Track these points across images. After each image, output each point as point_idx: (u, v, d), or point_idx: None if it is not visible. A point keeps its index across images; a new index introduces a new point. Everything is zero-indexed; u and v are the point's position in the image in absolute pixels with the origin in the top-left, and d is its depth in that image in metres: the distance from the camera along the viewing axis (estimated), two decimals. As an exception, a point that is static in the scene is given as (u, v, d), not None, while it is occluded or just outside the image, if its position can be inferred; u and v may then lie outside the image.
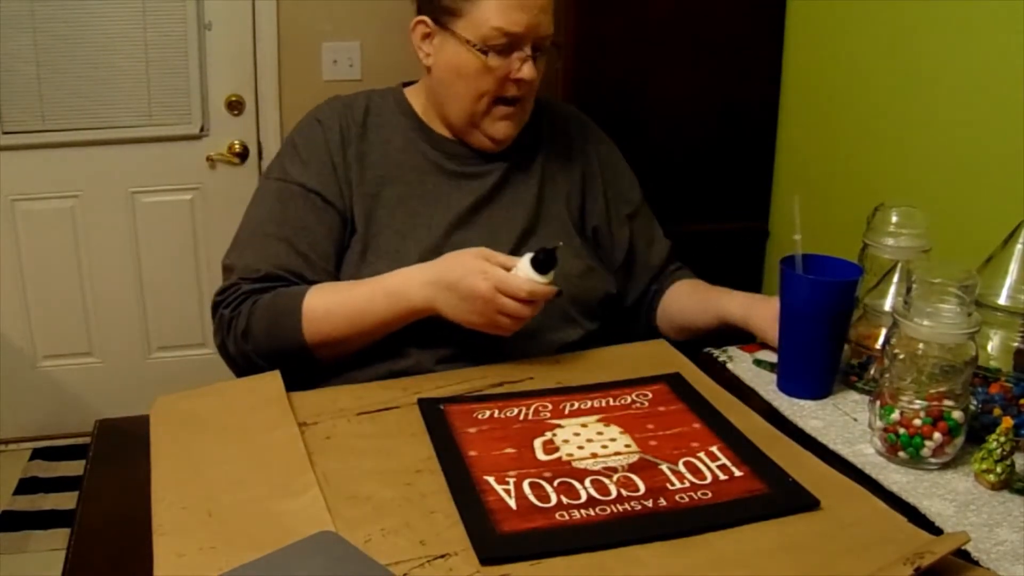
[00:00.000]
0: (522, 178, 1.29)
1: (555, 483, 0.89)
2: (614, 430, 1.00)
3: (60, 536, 2.24)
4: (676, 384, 1.11)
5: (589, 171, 1.36)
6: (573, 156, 1.35)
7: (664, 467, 0.92)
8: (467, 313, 1.09)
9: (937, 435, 0.93)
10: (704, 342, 1.27)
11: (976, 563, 0.79)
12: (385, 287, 1.13)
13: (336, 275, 1.21)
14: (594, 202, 1.36)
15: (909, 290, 0.94)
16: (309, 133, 1.26)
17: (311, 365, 1.16)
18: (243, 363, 1.18)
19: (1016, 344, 1.01)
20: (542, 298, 1.08)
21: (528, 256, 1.08)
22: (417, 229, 1.22)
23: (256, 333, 1.15)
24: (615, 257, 1.38)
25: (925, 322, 0.92)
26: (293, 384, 1.08)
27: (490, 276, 1.06)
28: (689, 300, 1.36)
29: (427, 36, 1.24)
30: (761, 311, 1.22)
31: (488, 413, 1.03)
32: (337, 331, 1.13)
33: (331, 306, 1.13)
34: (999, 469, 0.90)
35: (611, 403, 1.06)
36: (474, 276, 1.07)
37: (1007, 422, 0.92)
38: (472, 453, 0.94)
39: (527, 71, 1.18)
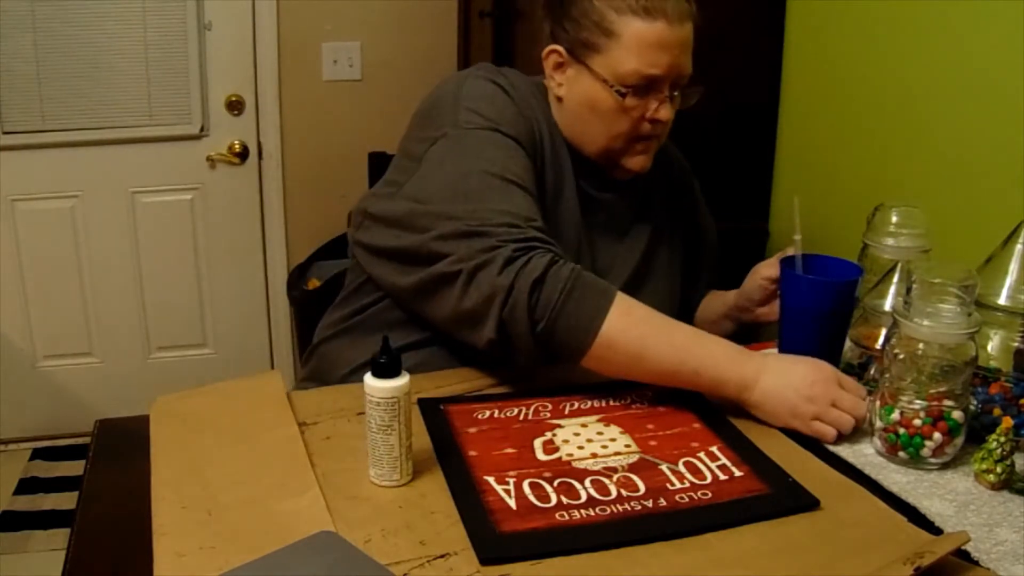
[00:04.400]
0: (640, 213, 1.30)
1: (555, 483, 0.89)
2: (614, 430, 1.00)
3: (60, 536, 2.24)
4: (676, 384, 1.11)
5: (692, 221, 1.39)
6: (679, 204, 1.37)
7: (664, 467, 0.92)
8: (794, 397, 0.99)
9: (937, 435, 0.93)
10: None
11: (976, 563, 0.79)
12: (712, 344, 1.03)
13: None
14: (696, 252, 1.40)
15: (909, 290, 0.94)
16: (502, 98, 1.16)
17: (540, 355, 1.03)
18: (526, 327, 1.00)
19: (1016, 344, 1.01)
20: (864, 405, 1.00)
21: None
22: (559, 238, 1.13)
23: (548, 290, 0.99)
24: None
25: (925, 322, 0.92)
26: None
27: (831, 371, 1.01)
28: (708, 306, 1.41)
29: (559, 66, 1.19)
30: (748, 282, 1.27)
31: (488, 413, 1.03)
32: (637, 347, 1.00)
33: (650, 322, 1.02)
34: (999, 469, 0.90)
35: (611, 403, 1.06)
36: (825, 370, 1.01)
37: (1007, 422, 0.92)
38: (472, 453, 0.94)
39: (664, 113, 1.15)
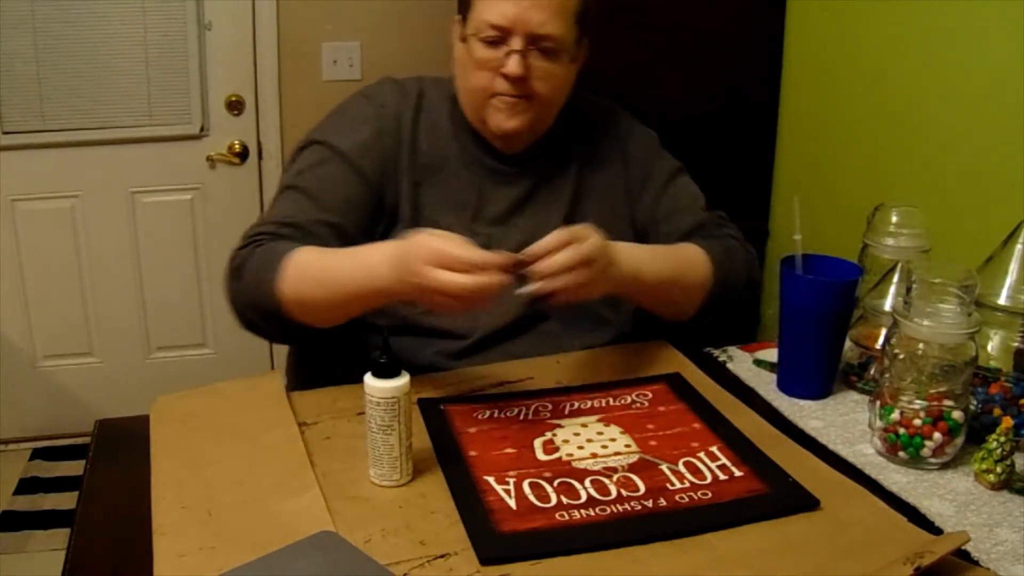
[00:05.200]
0: (557, 184, 1.26)
1: (555, 483, 0.89)
2: (614, 430, 1.00)
3: (60, 536, 2.23)
4: (676, 384, 1.11)
5: (627, 174, 1.31)
6: (610, 159, 1.31)
7: (664, 467, 0.92)
8: (412, 289, 0.97)
9: (937, 435, 0.93)
10: (705, 342, 1.26)
11: (976, 563, 0.79)
12: (361, 257, 1.05)
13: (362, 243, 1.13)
14: (636, 203, 1.31)
15: (909, 290, 0.94)
16: (359, 106, 1.23)
17: (288, 332, 1.10)
18: (237, 309, 1.12)
19: (1016, 344, 1.01)
20: (489, 266, 0.93)
21: None
22: (455, 227, 1.16)
23: (246, 275, 1.10)
24: None
25: (925, 322, 0.92)
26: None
27: (423, 245, 0.96)
28: None
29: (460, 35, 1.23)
30: None
31: (488, 413, 1.03)
32: (308, 290, 1.06)
33: (310, 263, 1.07)
34: (999, 469, 0.90)
35: (611, 403, 1.06)
36: (417, 247, 0.97)
37: (1007, 422, 0.92)
38: (472, 453, 0.94)
39: (512, 66, 1.13)
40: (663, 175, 1.31)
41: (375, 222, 1.20)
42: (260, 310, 1.09)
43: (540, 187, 1.26)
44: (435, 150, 1.23)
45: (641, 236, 1.29)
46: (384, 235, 1.18)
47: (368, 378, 0.87)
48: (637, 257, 1.12)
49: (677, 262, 1.19)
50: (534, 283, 0.97)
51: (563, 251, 0.97)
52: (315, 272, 1.06)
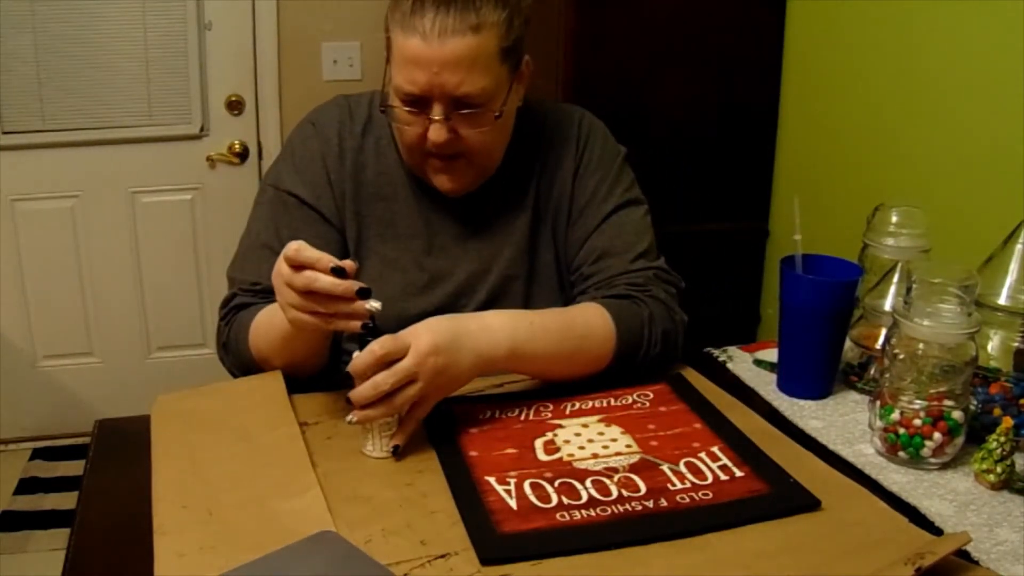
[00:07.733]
0: (513, 206, 1.20)
1: (556, 483, 0.89)
2: (615, 430, 1.00)
3: (60, 536, 2.24)
4: (677, 384, 1.11)
5: (573, 191, 1.21)
6: (566, 174, 1.21)
7: (665, 467, 0.92)
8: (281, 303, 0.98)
9: (937, 435, 0.93)
10: (705, 342, 1.27)
11: (976, 563, 0.79)
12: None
13: None
14: (569, 226, 1.22)
15: (909, 290, 0.94)
16: (304, 139, 1.19)
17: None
18: (234, 374, 1.16)
19: (1016, 344, 1.01)
20: (308, 264, 0.91)
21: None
22: (401, 258, 1.17)
23: (231, 348, 1.14)
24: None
25: (925, 322, 0.92)
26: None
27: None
28: None
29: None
30: None
31: (489, 413, 1.03)
32: (266, 347, 1.08)
33: (257, 322, 1.09)
34: (999, 469, 0.90)
35: (612, 403, 1.06)
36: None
37: (1007, 422, 0.92)
38: (473, 453, 0.94)
39: (434, 134, 1.06)
40: (608, 204, 1.20)
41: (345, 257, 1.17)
42: (251, 373, 1.12)
43: (495, 212, 1.20)
44: (382, 178, 1.18)
45: (558, 261, 1.23)
46: None
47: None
48: (513, 328, 1.03)
49: (569, 334, 1.07)
50: (354, 412, 0.92)
51: (373, 378, 0.91)
52: (260, 330, 1.09)
